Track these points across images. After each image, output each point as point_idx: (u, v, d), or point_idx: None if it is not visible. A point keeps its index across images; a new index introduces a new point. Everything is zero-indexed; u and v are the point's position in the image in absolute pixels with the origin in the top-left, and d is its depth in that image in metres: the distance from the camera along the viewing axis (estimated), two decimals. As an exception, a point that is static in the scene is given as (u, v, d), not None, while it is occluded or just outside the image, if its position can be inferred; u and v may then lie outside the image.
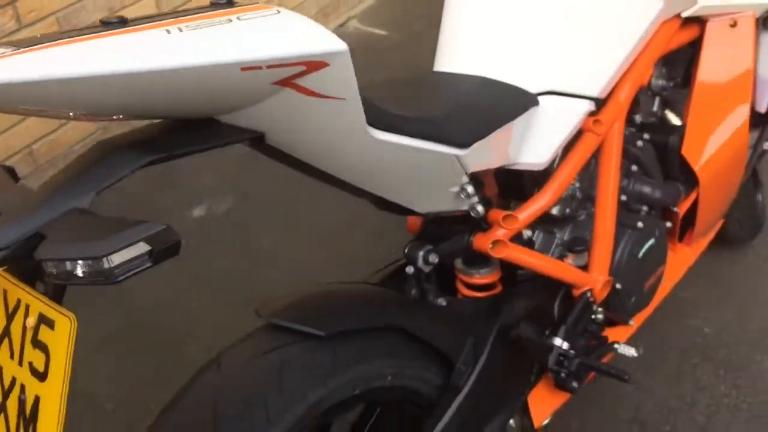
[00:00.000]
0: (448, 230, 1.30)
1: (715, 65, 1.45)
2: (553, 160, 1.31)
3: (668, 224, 1.52)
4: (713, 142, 1.47)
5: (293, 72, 0.79)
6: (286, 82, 0.80)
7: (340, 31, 3.64)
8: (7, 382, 0.78)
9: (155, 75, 0.69)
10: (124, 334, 2.07)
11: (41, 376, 0.74)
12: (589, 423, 1.72)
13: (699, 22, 1.45)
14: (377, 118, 0.95)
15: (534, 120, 1.22)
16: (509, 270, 1.37)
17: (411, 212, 1.18)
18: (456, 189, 1.11)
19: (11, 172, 0.89)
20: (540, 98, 1.23)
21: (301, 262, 2.23)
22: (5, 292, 0.78)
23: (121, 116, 0.81)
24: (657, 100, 1.56)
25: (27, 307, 0.76)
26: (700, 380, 1.79)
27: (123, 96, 0.71)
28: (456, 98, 1.14)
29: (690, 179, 1.51)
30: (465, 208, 1.17)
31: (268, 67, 0.76)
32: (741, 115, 1.47)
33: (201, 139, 0.85)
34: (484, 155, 1.10)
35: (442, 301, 1.29)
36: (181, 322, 2.07)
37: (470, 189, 1.10)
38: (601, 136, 1.32)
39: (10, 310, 0.77)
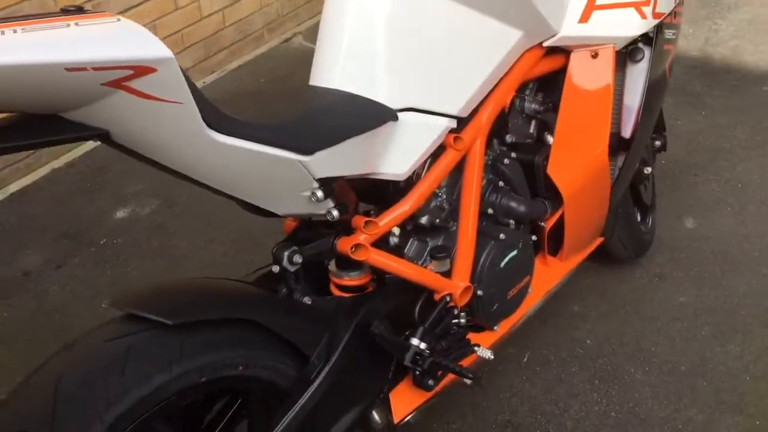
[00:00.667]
0: (317, 233, 1.40)
1: (577, 92, 1.56)
2: (417, 172, 1.41)
3: (534, 238, 1.63)
4: (576, 164, 1.58)
5: (121, 75, 0.87)
6: (117, 84, 0.88)
7: (284, 46, 3.74)
8: None
9: None
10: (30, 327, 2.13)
11: None
12: (467, 425, 1.81)
13: (564, 51, 1.56)
14: (219, 122, 1.04)
15: (395, 134, 1.31)
16: (380, 275, 1.46)
17: (273, 214, 1.27)
18: (307, 193, 1.20)
19: None
20: (401, 114, 1.33)
21: (214, 266, 2.31)
22: None
23: None
24: (533, 123, 1.68)
25: None
26: (575, 388, 1.89)
27: None
28: (309, 109, 1.23)
29: (556, 197, 1.61)
30: (321, 212, 1.26)
31: (94, 69, 0.84)
32: (601, 139, 1.58)
33: (44, 133, 0.93)
34: (334, 163, 1.19)
35: (307, 300, 1.37)
36: (90, 320, 2.13)
37: (320, 194, 1.19)
38: (462, 151, 1.42)
39: None
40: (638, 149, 1.74)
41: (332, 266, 1.46)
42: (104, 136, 0.99)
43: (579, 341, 2.02)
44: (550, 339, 2.03)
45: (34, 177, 2.77)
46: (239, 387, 1.27)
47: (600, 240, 1.93)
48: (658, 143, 2.09)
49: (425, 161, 1.41)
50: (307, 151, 1.14)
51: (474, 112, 1.44)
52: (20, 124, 0.93)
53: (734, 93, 3.05)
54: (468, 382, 1.37)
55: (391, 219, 1.36)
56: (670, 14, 1.69)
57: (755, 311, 2.07)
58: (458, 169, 1.47)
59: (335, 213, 1.26)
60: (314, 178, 1.17)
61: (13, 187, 2.71)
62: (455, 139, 1.41)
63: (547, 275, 1.73)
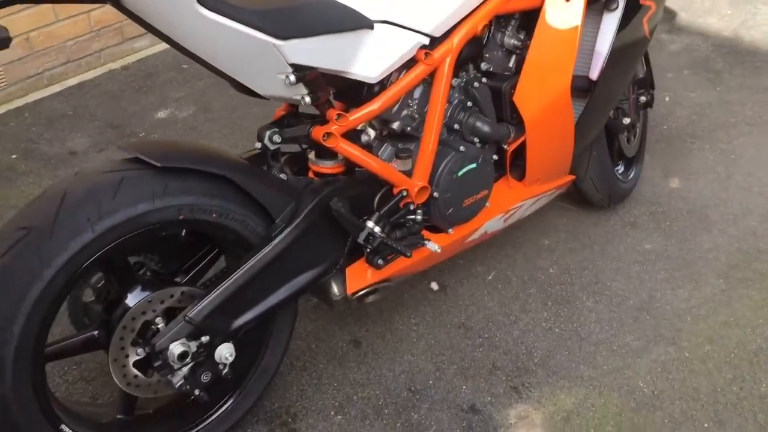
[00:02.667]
0: (298, 121, 1.64)
1: (548, 30, 1.74)
2: (390, 80, 1.63)
3: (495, 157, 1.83)
4: (540, 95, 1.77)
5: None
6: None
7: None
8: None
9: None
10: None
11: None
12: (425, 322, 2.05)
13: (540, -9, 1.75)
14: (210, 1, 1.28)
15: (369, 41, 1.53)
16: (351, 169, 1.70)
17: (257, 95, 1.51)
18: (282, 76, 1.43)
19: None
20: (378, 25, 1.55)
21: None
22: None
23: None
24: (513, 58, 1.87)
25: None
26: (528, 305, 2.10)
27: None
28: (291, 4, 1.45)
29: (520, 125, 1.81)
30: (297, 97, 1.50)
31: None
32: (565, 75, 1.75)
33: None
34: (306, 53, 1.42)
35: (282, 176, 1.63)
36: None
37: (292, 78, 1.42)
38: (431, 66, 1.63)
39: None
40: (604, 94, 1.91)
41: (311, 155, 1.71)
42: (115, 1, 1.25)
43: (542, 269, 2.22)
44: (517, 264, 2.24)
45: (92, 74, 3.09)
46: (214, 234, 1.53)
47: (571, 178, 2.11)
48: (643, 99, 2.26)
49: (397, 71, 1.62)
50: (282, 37, 1.37)
51: (447, 34, 1.65)
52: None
53: (754, 74, 3.14)
54: (407, 255, 1.61)
55: (360, 115, 1.59)
56: (651, -28, 1.85)
57: (713, 264, 2.23)
58: (430, 85, 1.69)
59: (308, 99, 1.50)
60: (287, 62, 1.41)
61: (72, 81, 3.04)
62: (426, 54, 1.62)
63: (509, 196, 1.93)
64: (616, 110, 2.17)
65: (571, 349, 1.97)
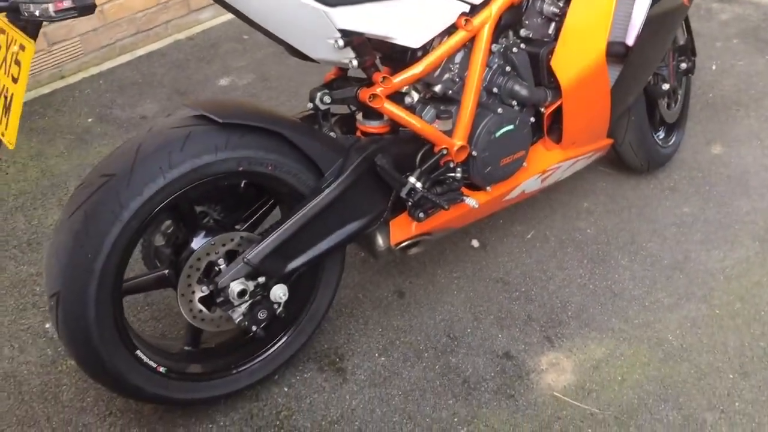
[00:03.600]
0: (346, 83, 1.78)
1: (584, 2, 1.83)
2: (433, 45, 1.75)
3: (532, 119, 1.94)
4: (576, 60, 1.86)
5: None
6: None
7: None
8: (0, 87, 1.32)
9: None
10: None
11: (15, 81, 1.28)
12: (466, 276, 2.18)
13: (578, -41, 1.84)
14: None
15: (413, 9, 1.66)
16: (396, 129, 1.83)
17: (309, 58, 1.66)
18: (331, 41, 1.57)
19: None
20: (423, -6, 1.67)
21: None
22: (4, 30, 1.32)
23: None
24: (552, 25, 1.97)
25: (14, 39, 1.29)
26: (564, 263, 2.21)
27: None
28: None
29: (557, 89, 1.91)
30: (345, 60, 1.64)
31: None
32: (600, 42, 1.84)
33: None
34: (353, 19, 1.55)
35: (332, 134, 1.77)
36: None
37: (341, 42, 1.56)
38: (471, 33, 1.75)
39: (7, 42, 1.31)
40: (640, 59, 1.99)
41: (359, 116, 1.85)
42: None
43: (580, 230, 2.33)
44: (556, 224, 2.34)
45: (159, 45, 3.29)
46: (270, 186, 1.69)
47: (609, 141, 2.20)
48: (683, 65, 2.32)
49: (439, 36, 1.74)
50: (331, 4, 1.51)
51: (487, 2, 1.76)
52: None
53: (806, 43, 3.15)
54: (445, 208, 1.75)
55: (404, 78, 1.72)
56: (689, -59, 1.92)
57: (750, 227, 2.29)
58: (470, 50, 1.80)
59: (355, 63, 1.63)
60: (336, 28, 1.54)
61: (141, 51, 3.25)
62: (466, 21, 1.73)
63: (546, 157, 2.03)
64: (655, 76, 2.25)
65: (603, 304, 2.07)
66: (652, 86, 2.25)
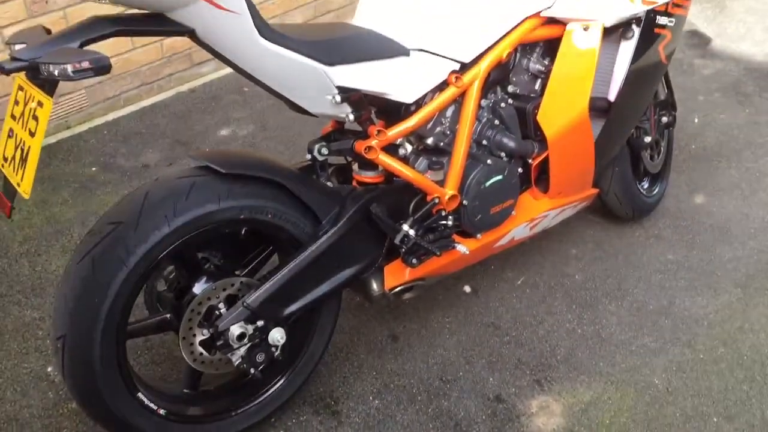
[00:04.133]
0: (343, 136, 1.87)
1: (568, 57, 1.94)
2: (423, 98, 1.85)
3: (520, 170, 2.03)
4: (561, 115, 1.96)
5: (202, -9, 1.38)
6: (200, -5, 1.39)
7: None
8: (17, 141, 1.41)
9: None
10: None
11: (32, 135, 1.37)
12: (458, 321, 2.24)
13: (562, 23, 1.95)
14: (268, 33, 1.53)
15: (406, 67, 1.77)
16: (390, 179, 1.92)
17: (308, 113, 1.75)
18: (329, 97, 1.67)
19: (47, 30, 1.50)
20: (414, 53, 1.78)
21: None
22: (23, 87, 1.41)
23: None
24: (539, 81, 2.07)
25: (32, 96, 1.38)
26: (554, 308, 2.28)
27: None
28: (338, 36, 1.70)
29: (543, 142, 2.01)
30: (342, 115, 1.73)
31: None
32: (583, 97, 1.93)
33: (151, 25, 1.45)
34: (350, 77, 1.65)
35: (329, 184, 1.86)
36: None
37: (338, 98, 1.66)
38: (461, 89, 1.85)
39: (26, 98, 1.40)
40: (622, 113, 2.09)
41: (355, 166, 1.94)
42: (192, 34, 1.50)
43: (569, 276, 2.40)
44: (545, 271, 2.42)
45: (162, 96, 3.40)
46: (269, 233, 1.76)
47: (595, 191, 2.29)
48: (664, 119, 2.43)
49: (431, 92, 1.84)
50: (329, 63, 1.61)
51: (476, 60, 1.86)
52: (137, 18, 1.45)
53: (785, 97, 3.27)
54: (437, 254, 1.82)
55: (398, 131, 1.81)
56: (665, 4, 2.03)
57: (732, 274, 2.37)
58: (460, 104, 1.90)
59: (351, 117, 1.73)
60: (334, 85, 1.64)
61: (145, 103, 3.36)
62: (456, 78, 1.84)
63: (534, 206, 2.12)
64: (637, 129, 2.35)
65: (592, 348, 2.14)
66: (635, 139, 2.35)
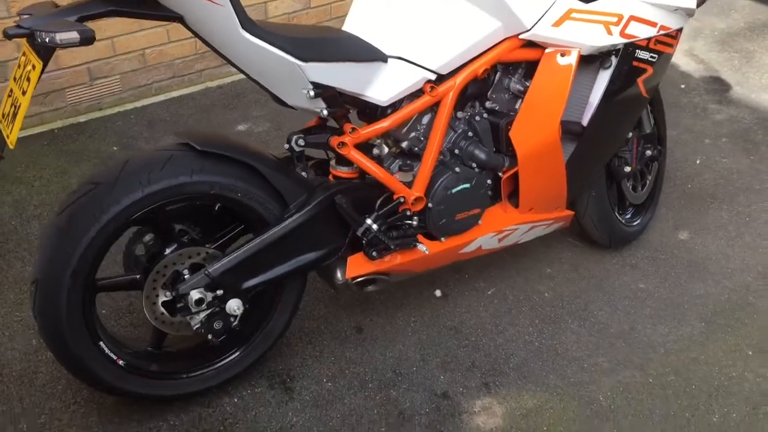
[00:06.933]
0: (322, 131, 2.01)
1: (544, 80, 2.04)
2: (400, 103, 1.97)
3: (489, 182, 2.13)
4: (532, 134, 2.06)
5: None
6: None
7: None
8: (14, 99, 1.59)
9: None
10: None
11: (24, 94, 1.55)
12: (421, 322, 2.34)
13: (541, 47, 2.06)
14: (250, 26, 1.68)
15: (383, 72, 1.89)
16: (364, 177, 2.04)
17: (288, 105, 1.90)
18: (305, 91, 1.81)
19: (55, 4, 1.69)
20: (392, 60, 1.91)
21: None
22: (25, 53, 1.59)
23: None
24: (519, 101, 2.18)
25: (29, 60, 1.56)
26: (517, 320, 2.36)
27: None
28: (318, 36, 1.84)
29: (514, 157, 2.11)
30: (317, 110, 1.87)
31: None
32: (554, 119, 2.03)
33: (143, 8, 1.62)
34: (324, 74, 1.79)
35: (304, 174, 2.00)
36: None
37: (312, 93, 1.80)
38: (435, 98, 1.97)
39: (25, 63, 1.58)
40: (594, 139, 2.17)
41: (333, 162, 2.07)
42: (181, 20, 1.66)
43: (539, 292, 2.48)
44: (517, 285, 2.51)
45: (191, 90, 3.61)
46: (240, 210, 1.90)
47: (569, 213, 2.37)
48: (648, 152, 2.50)
49: (408, 98, 1.97)
50: (304, 59, 1.75)
51: (452, 74, 1.98)
52: (133, 1, 1.62)
53: (792, 149, 3.29)
54: (392, 248, 1.95)
55: (370, 131, 1.94)
56: (647, 40, 2.12)
57: (699, 309, 2.42)
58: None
59: (325, 112, 1.87)
60: (308, 80, 1.79)
61: (175, 93, 3.57)
62: (431, 88, 1.96)
63: (503, 218, 2.22)
64: (618, 158, 2.43)
65: (545, 361, 2.21)
66: (615, 167, 2.43)
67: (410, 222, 2.05)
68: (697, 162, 3.19)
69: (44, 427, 1.94)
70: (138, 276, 1.88)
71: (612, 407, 2.07)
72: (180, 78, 3.60)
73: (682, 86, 3.84)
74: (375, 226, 1.97)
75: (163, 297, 1.86)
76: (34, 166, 2.99)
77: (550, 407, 2.06)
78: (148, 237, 1.94)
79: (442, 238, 2.13)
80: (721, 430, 2.01)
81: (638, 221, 2.65)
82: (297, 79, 1.80)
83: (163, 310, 1.87)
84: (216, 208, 1.96)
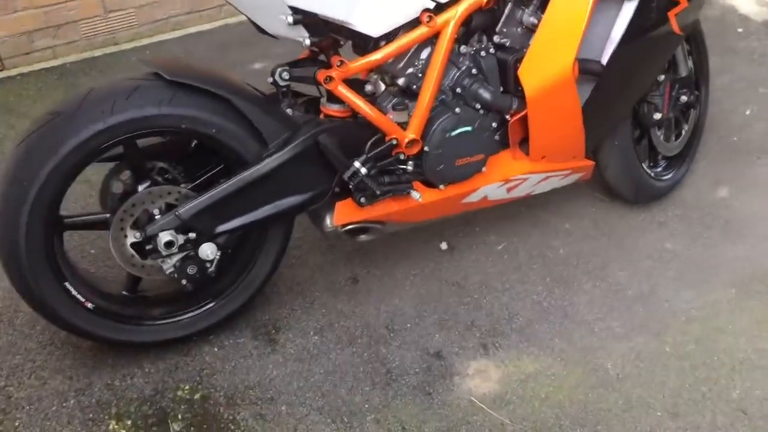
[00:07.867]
0: (311, 64, 1.85)
1: (558, 12, 1.81)
2: (392, 35, 1.79)
3: (494, 125, 1.93)
4: (543, 72, 1.85)
5: None
6: None
7: None
8: None
9: None
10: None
11: None
12: (424, 276, 2.19)
13: (556, -25, 1.83)
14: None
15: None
16: (356, 116, 1.87)
17: (270, 35, 1.74)
18: (283, 17, 1.64)
19: None
20: (385, -15, 1.72)
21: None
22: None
23: None
24: (532, 36, 1.96)
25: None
26: (526, 278, 2.18)
27: None
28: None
29: (524, 99, 1.90)
30: (299, 38, 1.70)
31: None
32: (568, 55, 1.81)
33: None
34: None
35: (289, 111, 1.84)
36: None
37: (290, 19, 1.63)
38: (432, 29, 1.77)
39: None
40: (614, 80, 1.94)
41: (323, 99, 1.91)
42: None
43: (553, 248, 2.29)
44: (530, 240, 2.32)
45: (209, 26, 3.48)
46: (216, 148, 1.76)
47: (589, 163, 2.16)
48: (684, 98, 2.25)
49: (404, 29, 1.78)
50: (280, -19, 1.58)
51: (453, 2, 1.78)
52: None
53: None
54: (378, 193, 1.80)
55: (360, 64, 1.77)
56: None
57: (733, 274, 2.18)
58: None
59: (307, 42, 1.70)
60: (286, 4, 1.61)
61: (192, 29, 3.44)
62: (429, 18, 1.76)
63: (512, 166, 2.02)
64: (647, 104, 2.19)
65: (552, 323, 2.04)
66: (644, 114, 2.20)
67: (404, 167, 1.88)
68: (747, 113, 2.90)
69: (18, 368, 1.88)
70: (108, 215, 1.77)
71: (620, 376, 1.89)
72: (198, 13, 3.46)
73: (740, 30, 3.51)
74: (363, 170, 1.81)
75: (132, 238, 1.74)
76: (42, 100, 2.91)
77: (551, 373, 1.89)
78: (125, 175, 1.83)
79: (441, 186, 1.95)
80: (740, 406, 1.81)
81: (670, 175, 2.42)
82: (274, 4, 1.63)
83: (133, 252, 1.76)
84: (192, 145, 1.83)
